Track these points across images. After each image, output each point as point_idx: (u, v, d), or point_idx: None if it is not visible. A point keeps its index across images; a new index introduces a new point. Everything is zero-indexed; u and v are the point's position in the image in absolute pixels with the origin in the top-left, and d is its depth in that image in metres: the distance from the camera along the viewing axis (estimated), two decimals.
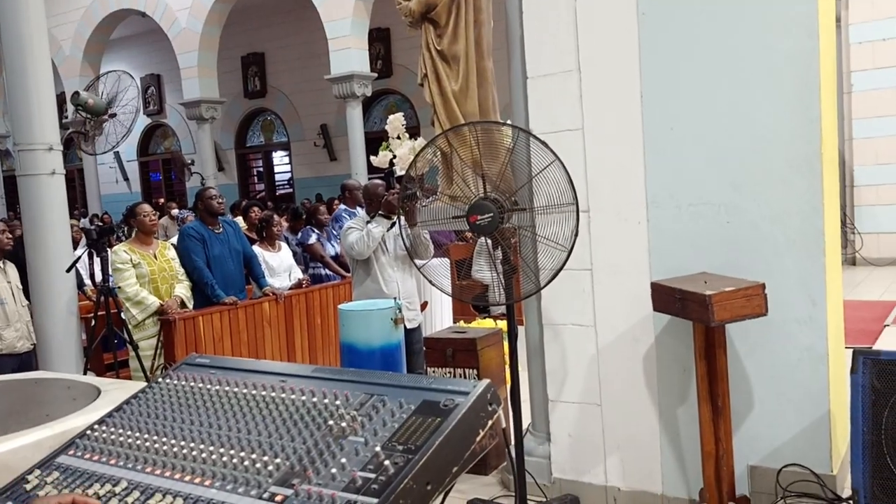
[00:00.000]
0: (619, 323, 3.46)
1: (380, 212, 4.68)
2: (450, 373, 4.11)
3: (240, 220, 8.33)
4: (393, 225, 4.65)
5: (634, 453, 3.49)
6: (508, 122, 3.49)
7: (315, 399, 1.37)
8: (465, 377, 4.04)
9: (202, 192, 5.78)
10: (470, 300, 6.76)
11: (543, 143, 2.95)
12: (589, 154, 3.45)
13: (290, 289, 6.08)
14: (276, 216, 6.60)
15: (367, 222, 4.71)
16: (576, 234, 2.89)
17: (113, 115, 5.48)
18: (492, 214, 3.01)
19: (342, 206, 7.43)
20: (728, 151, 3.19)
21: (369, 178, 5.60)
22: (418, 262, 3.80)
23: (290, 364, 1.64)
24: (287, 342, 5.90)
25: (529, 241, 3.21)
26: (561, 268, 2.94)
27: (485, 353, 4.14)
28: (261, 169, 19.56)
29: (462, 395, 1.26)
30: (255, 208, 8.05)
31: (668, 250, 3.33)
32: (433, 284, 3.47)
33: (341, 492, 1.11)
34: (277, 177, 19.40)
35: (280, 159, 19.30)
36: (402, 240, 3.60)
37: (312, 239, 6.89)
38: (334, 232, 7.11)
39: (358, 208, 7.04)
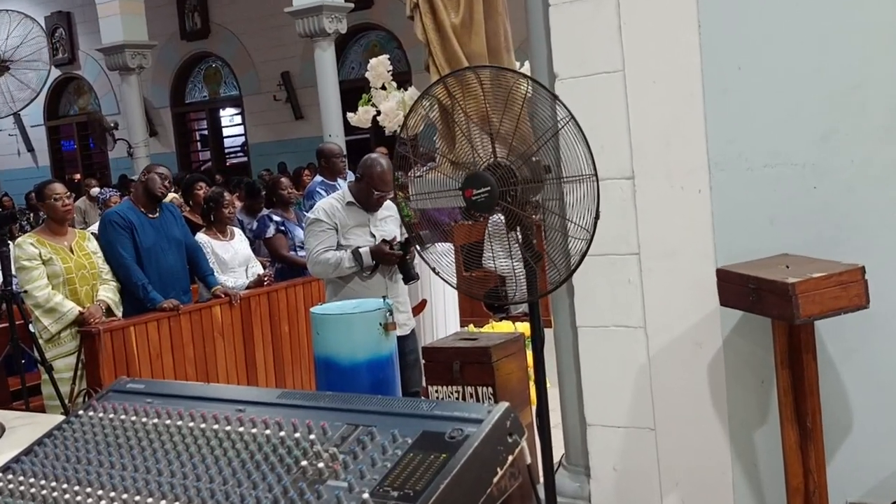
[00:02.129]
0: (676, 322, 3.47)
1: (363, 249, 4.58)
2: (457, 393, 4.12)
3: (174, 196, 8.22)
4: (372, 271, 4.63)
5: (699, 490, 3.50)
6: (526, 63, 3.48)
7: (283, 433, 1.38)
8: (477, 399, 4.06)
9: (151, 166, 5.90)
10: (482, 297, 6.76)
11: (553, 94, 2.93)
12: (632, 103, 3.44)
13: (248, 287, 6.10)
14: (227, 193, 6.59)
15: (348, 203, 4.67)
16: (597, 216, 2.89)
17: (6, 69, 5.47)
18: (489, 189, 3.00)
19: (318, 179, 7.38)
20: (814, 95, 3.18)
21: (382, 153, 5.39)
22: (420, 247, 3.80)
23: (250, 388, 1.64)
24: (245, 358, 5.92)
25: (554, 221, 3.21)
26: (581, 259, 2.95)
27: (502, 365, 4.14)
28: (205, 132, 19.59)
29: (473, 423, 1.27)
30: (201, 184, 8.04)
31: (737, 226, 3.33)
32: (436, 273, 3.48)
33: None
34: (227, 142, 19.42)
35: (230, 119, 19.30)
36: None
37: (271, 231, 6.80)
38: (305, 212, 7.07)
39: (339, 181, 6.99)
